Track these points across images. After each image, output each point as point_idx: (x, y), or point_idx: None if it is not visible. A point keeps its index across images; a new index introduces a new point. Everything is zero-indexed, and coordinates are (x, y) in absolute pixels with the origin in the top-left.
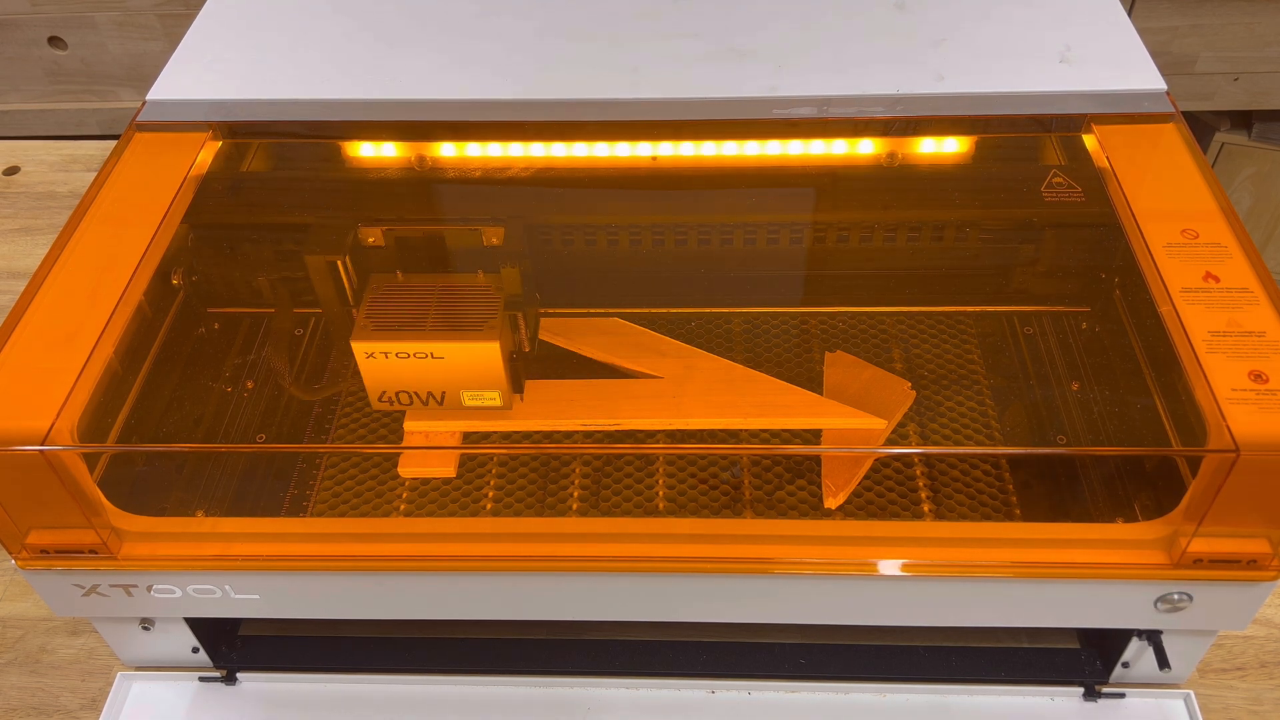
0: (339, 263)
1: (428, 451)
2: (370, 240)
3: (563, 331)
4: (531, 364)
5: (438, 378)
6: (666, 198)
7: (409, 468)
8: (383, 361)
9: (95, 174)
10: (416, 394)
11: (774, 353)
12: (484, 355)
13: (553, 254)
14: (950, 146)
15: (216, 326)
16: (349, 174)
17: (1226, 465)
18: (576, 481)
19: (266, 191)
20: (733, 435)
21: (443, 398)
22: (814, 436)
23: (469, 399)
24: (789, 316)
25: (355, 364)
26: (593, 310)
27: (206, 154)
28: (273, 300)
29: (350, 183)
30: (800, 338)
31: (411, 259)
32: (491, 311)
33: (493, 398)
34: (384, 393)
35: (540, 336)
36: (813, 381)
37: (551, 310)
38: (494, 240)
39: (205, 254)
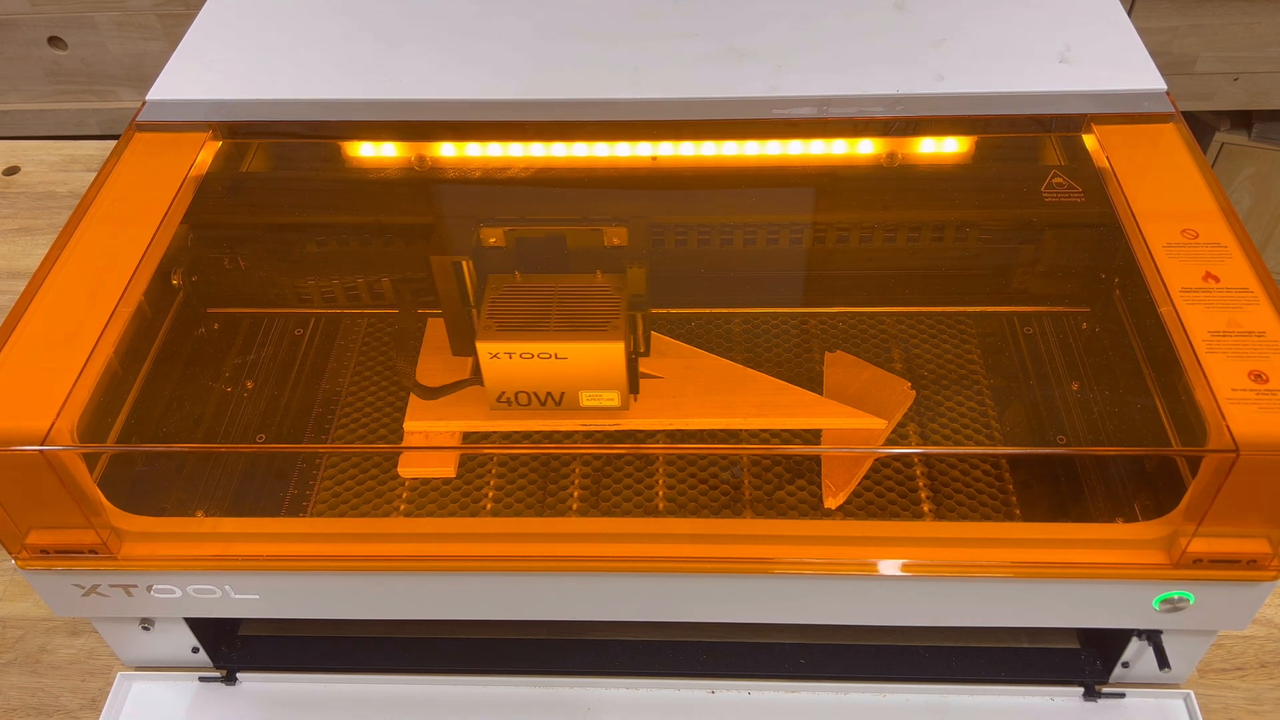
0: (464, 263)
1: (428, 451)
2: (492, 241)
3: None
4: None
5: (560, 378)
6: (666, 198)
7: (409, 468)
8: (506, 362)
9: (95, 174)
10: (536, 394)
11: (774, 353)
12: (609, 356)
13: None
14: (950, 146)
15: (216, 327)
16: (345, 176)
17: (1226, 465)
18: (576, 481)
19: (267, 192)
20: (733, 435)
21: (562, 398)
22: (814, 436)
23: (587, 400)
24: (789, 317)
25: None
26: None
27: (206, 154)
28: (395, 301)
29: (349, 186)
30: (800, 338)
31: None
32: (614, 312)
33: (611, 398)
34: (504, 393)
35: None
36: (813, 382)
37: None
38: (616, 240)
39: (205, 254)
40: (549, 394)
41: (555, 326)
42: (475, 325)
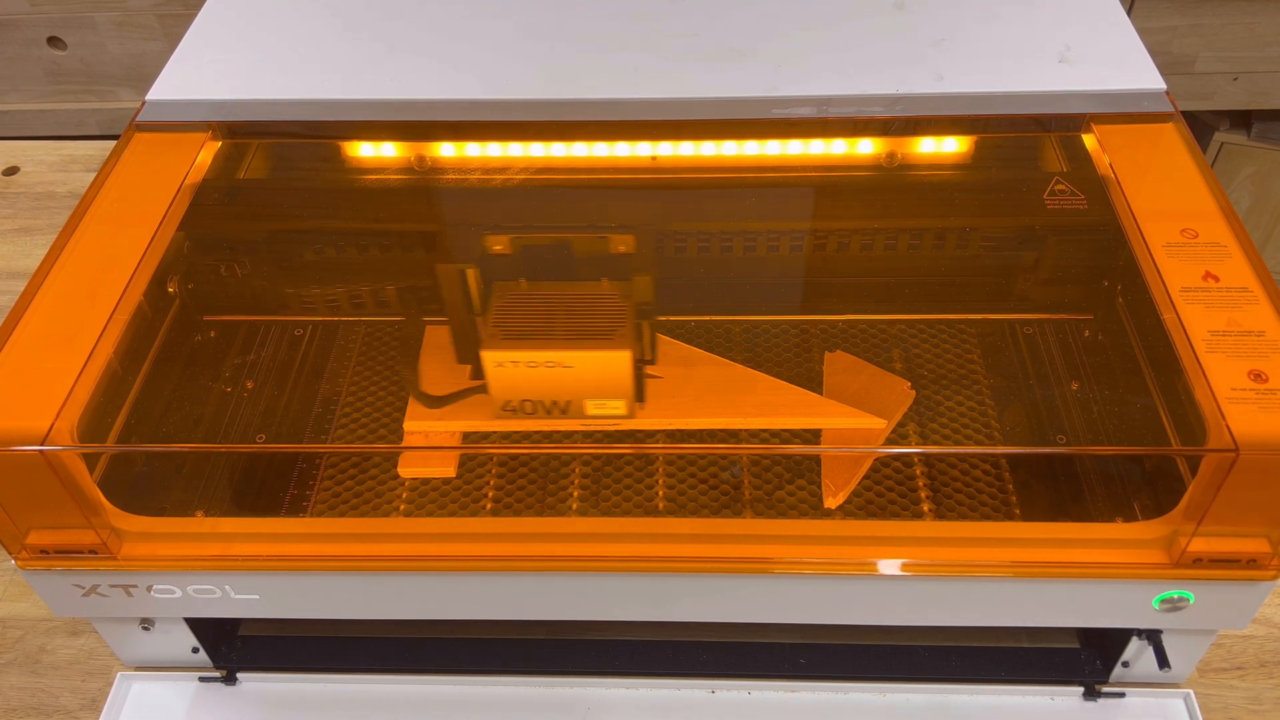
0: (469, 271)
1: (428, 451)
2: (498, 248)
3: None
4: None
5: (567, 387)
6: (667, 203)
7: (409, 468)
8: (512, 370)
9: (95, 174)
10: (542, 403)
11: (774, 358)
12: (615, 364)
13: None
14: (950, 146)
15: (213, 334)
16: (346, 178)
17: (1226, 465)
18: (576, 481)
19: (266, 195)
20: (732, 435)
21: (568, 407)
22: (814, 436)
23: (593, 408)
24: (790, 324)
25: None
26: None
27: (206, 154)
28: (399, 308)
29: (349, 187)
30: (801, 345)
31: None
32: (620, 320)
33: (618, 406)
34: (509, 402)
35: None
36: (813, 383)
37: None
38: (623, 248)
39: (201, 261)
40: (555, 403)
41: (562, 335)
42: (481, 333)
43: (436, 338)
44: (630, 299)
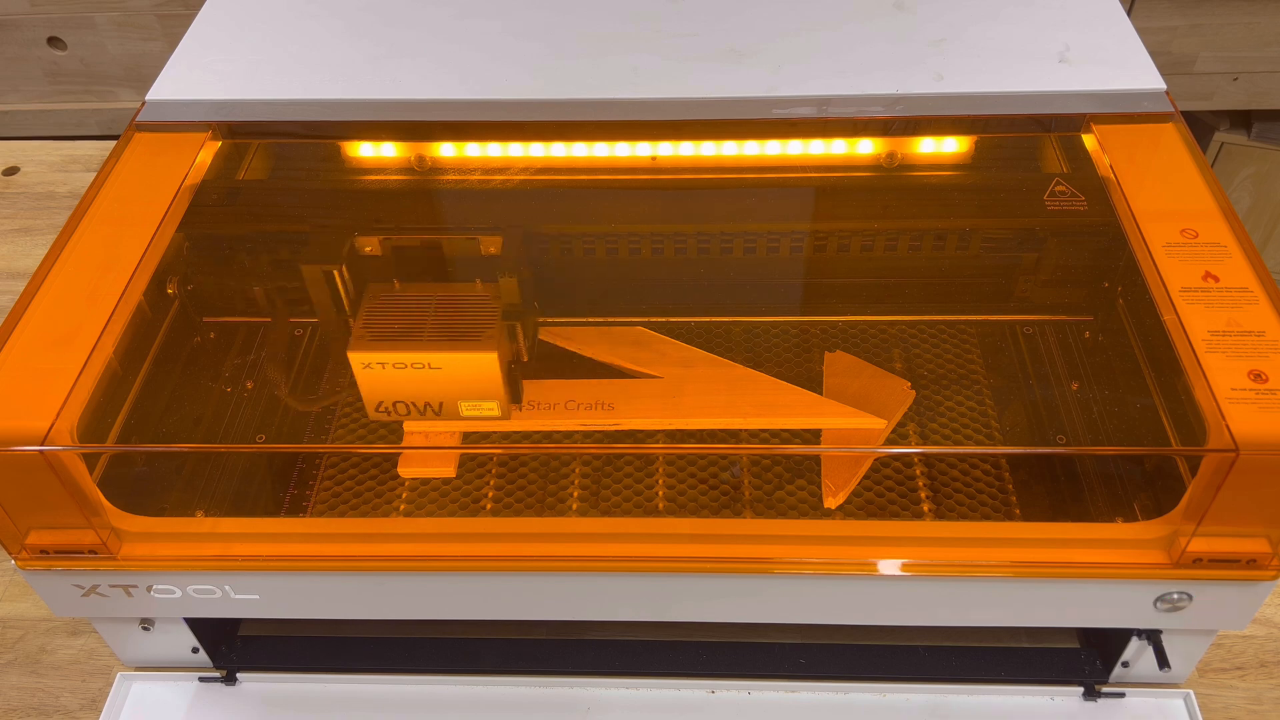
0: (336, 272)
1: (427, 452)
2: (367, 249)
3: (563, 333)
4: (531, 364)
5: (436, 388)
6: (666, 206)
7: (409, 468)
8: (380, 372)
9: (95, 174)
10: (414, 404)
11: (774, 358)
12: (482, 366)
13: (551, 262)
14: (950, 147)
15: (212, 336)
16: (347, 179)
17: (1226, 465)
18: (576, 481)
19: (264, 194)
20: (733, 435)
21: (440, 408)
22: (814, 437)
23: (467, 409)
24: (789, 325)
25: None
26: (592, 320)
27: (206, 154)
28: (268, 309)
29: (349, 189)
30: (801, 346)
31: (409, 267)
32: (489, 321)
33: (491, 408)
34: (381, 403)
35: (540, 337)
36: (813, 384)
37: (550, 320)
38: (492, 249)
39: (200, 263)
40: (427, 404)
41: (430, 336)
42: (339, 290)
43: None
44: (499, 300)
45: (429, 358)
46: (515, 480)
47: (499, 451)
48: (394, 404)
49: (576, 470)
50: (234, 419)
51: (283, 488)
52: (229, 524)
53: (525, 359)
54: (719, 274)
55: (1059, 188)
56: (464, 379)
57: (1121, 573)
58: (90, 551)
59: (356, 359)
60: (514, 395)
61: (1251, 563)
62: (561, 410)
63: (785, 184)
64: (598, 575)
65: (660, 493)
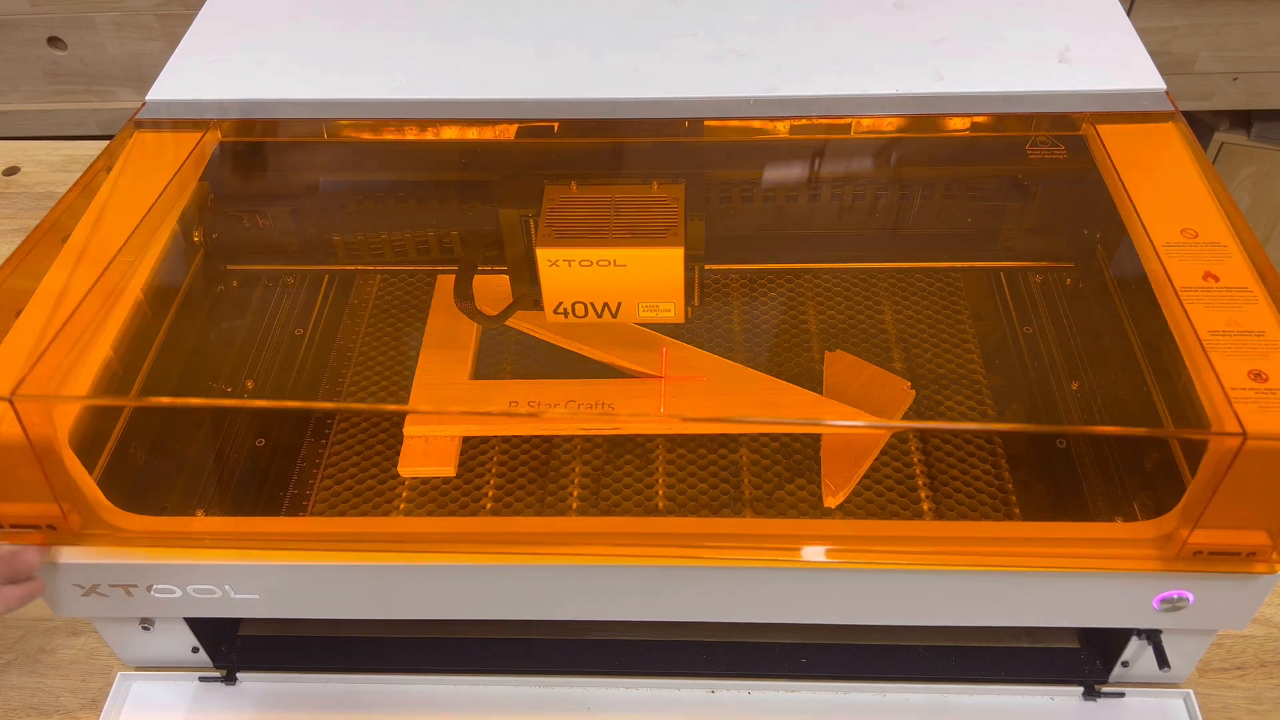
0: (531, 219)
1: (428, 451)
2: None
3: (563, 331)
4: (529, 364)
5: (618, 287)
6: (668, 154)
7: (409, 467)
8: (565, 270)
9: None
10: (593, 305)
11: (775, 358)
12: (667, 262)
13: None
14: (949, 147)
15: (211, 338)
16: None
17: (1233, 450)
18: (576, 481)
19: (266, 194)
20: (732, 440)
21: (618, 309)
22: (814, 437)
23: (644, 310)
24: (783, 273)
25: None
26: None
27: (206, 154)
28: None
29: (353, 185)
30: (792, 295)
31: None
32: (673, 220)
33: (668, 309)
34: (560, 304)
35: (539, 336)
36: (813, 378)
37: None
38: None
39: (202, 258)
40: (605, 304)
41: (614, 233)
42: (532, 235)
43: (444, 290)
44: (679, 200)
45: (615, 254)
46: (515, 480)
47: (500, 432)
48: (573, 304)
49: (576, 470)
50: (235, 419)
51: (283, 488)
52: (229, 524)
53: (702, 253)
54: (715, 226)
55: (1051, 150)
56: (647, 277)
57: (1122, 567)
58: (49, 527)
59: (544, 255)
60: (691, 296)
61: (1251, 556)
62: (561, 411)
63: (785, 150)
64: (597, 575)
65: (660, 492)
